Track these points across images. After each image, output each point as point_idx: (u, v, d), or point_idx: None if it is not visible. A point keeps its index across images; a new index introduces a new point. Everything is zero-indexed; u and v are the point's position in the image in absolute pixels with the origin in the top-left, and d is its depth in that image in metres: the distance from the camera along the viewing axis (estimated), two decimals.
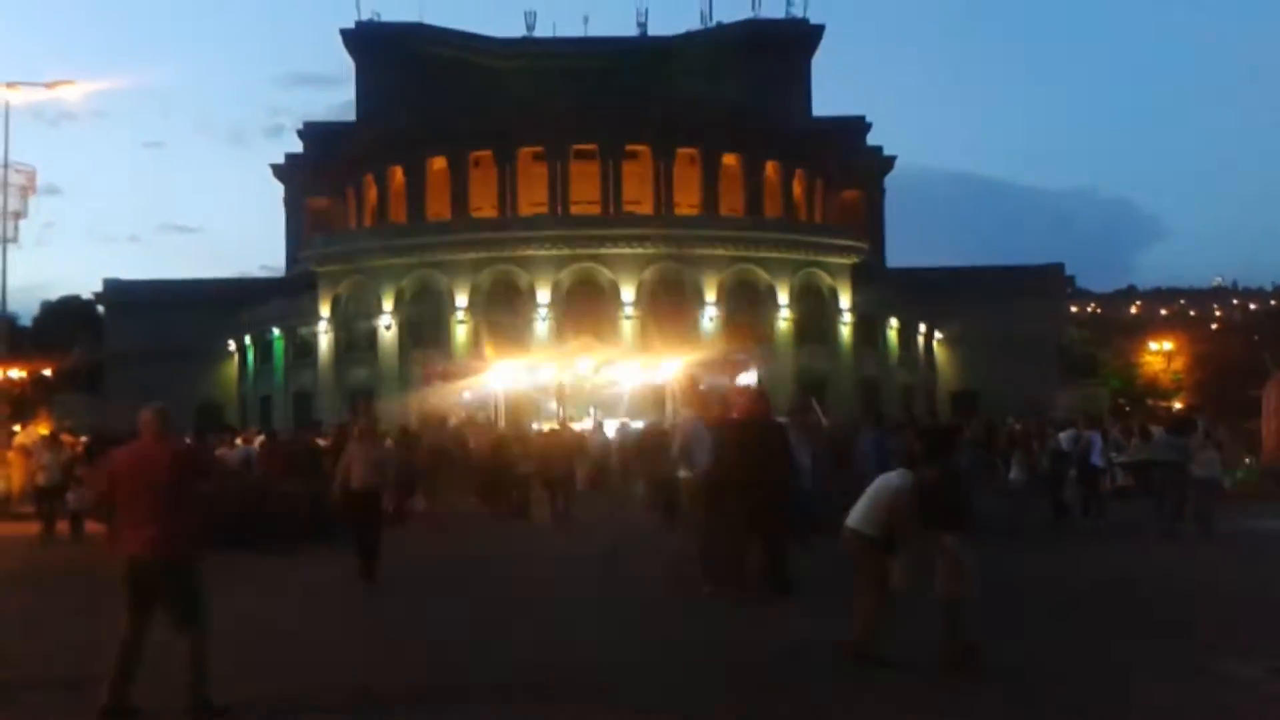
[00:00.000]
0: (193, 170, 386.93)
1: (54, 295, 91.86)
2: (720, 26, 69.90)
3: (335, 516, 13.93)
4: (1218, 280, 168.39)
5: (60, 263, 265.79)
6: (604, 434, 29.48)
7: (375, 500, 12.81)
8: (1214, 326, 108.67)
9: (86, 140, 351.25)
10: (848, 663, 7.89)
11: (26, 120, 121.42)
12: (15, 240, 32.03)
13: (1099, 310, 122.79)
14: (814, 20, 68.52)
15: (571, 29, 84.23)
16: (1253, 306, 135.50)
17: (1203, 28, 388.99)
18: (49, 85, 30.22)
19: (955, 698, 7.17)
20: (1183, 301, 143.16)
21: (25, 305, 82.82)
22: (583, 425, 34.04)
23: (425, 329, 49.58)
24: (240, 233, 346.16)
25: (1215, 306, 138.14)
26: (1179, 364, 78.77)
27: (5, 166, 31.23)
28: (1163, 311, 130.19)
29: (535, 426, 33.79)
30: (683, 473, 11.98)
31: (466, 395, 40.70)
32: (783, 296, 49.62)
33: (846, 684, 7.51)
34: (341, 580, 12.58)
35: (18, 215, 31.76)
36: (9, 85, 29.77)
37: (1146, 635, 9.05)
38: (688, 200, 56.06)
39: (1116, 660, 8.08)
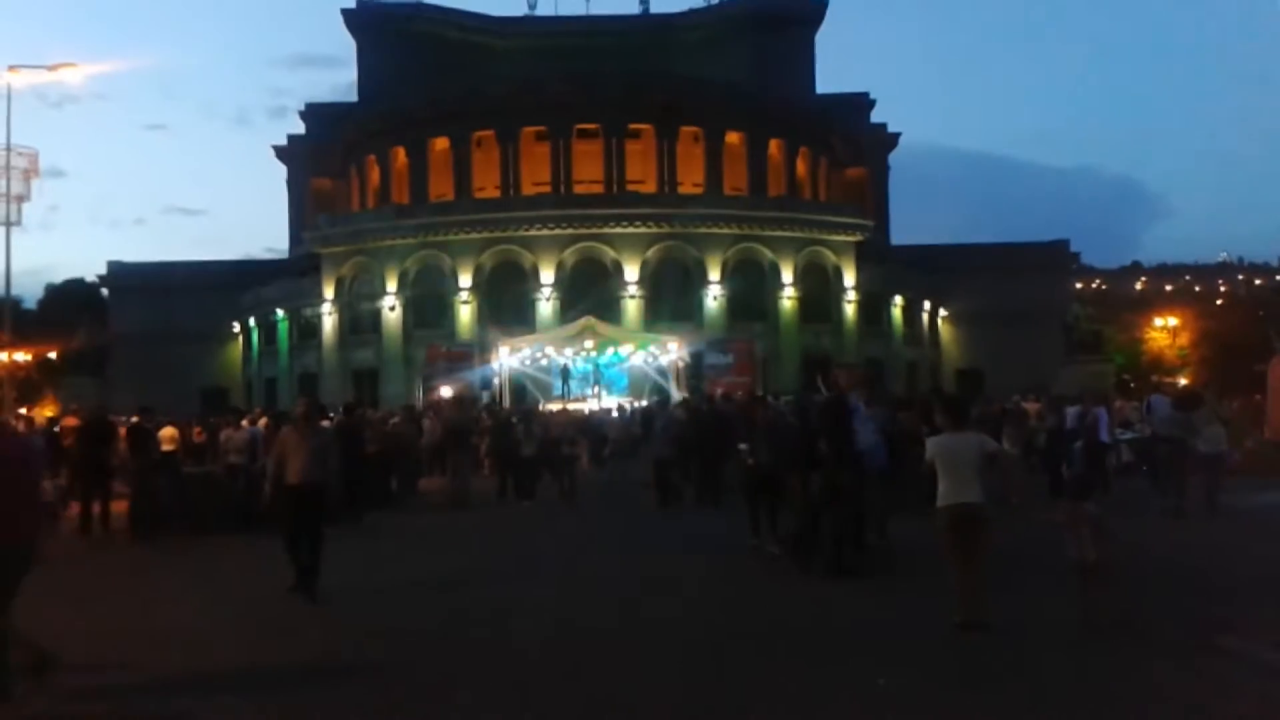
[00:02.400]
0: (196, 152, 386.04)
1: (58, 278, 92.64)
2: (722, 3, 69.61)
3: (266, 516, 11.74)
4: (1223, 256, 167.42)
5: (64, 246, 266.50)
6: (610, 414, 29.49)
7: (317, 498, 10.59)
8: (1219, 302, 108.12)
9: (89, 123, 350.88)
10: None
11: (29, 103, 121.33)
12: (19, 223, 32.09)
13: (1104, 286, 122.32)
14: None
15: (573, 7, 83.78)
16: (1258, 282, 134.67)
17: (1208, 4, 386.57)
18: (51, 68, 30.13)
19: (973, 662, 7.18)
20: (1188, 277, 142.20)
21: (29, 288, 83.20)
22: (587, 405, 34.16)
23: (429, 309, 49.64)
24: (244, 215, 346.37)
25: (1220, 282, 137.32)
26: (1184, 340, 78.71)
27: (8, 149, 31.18)
28: (1168, 287, 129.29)
29: (541, 406, 33.93)
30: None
31: (470, 375, 40.84)
32: (786, 275, 49.57)
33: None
34: (343, 546, 12.12)
35: (21, 198, 31.76)
36: (11, 68, 29.73)
37: (1151, 611, 9.04)
38: (691, 179, 55.92)
39: (1121, 637, 8.08)
